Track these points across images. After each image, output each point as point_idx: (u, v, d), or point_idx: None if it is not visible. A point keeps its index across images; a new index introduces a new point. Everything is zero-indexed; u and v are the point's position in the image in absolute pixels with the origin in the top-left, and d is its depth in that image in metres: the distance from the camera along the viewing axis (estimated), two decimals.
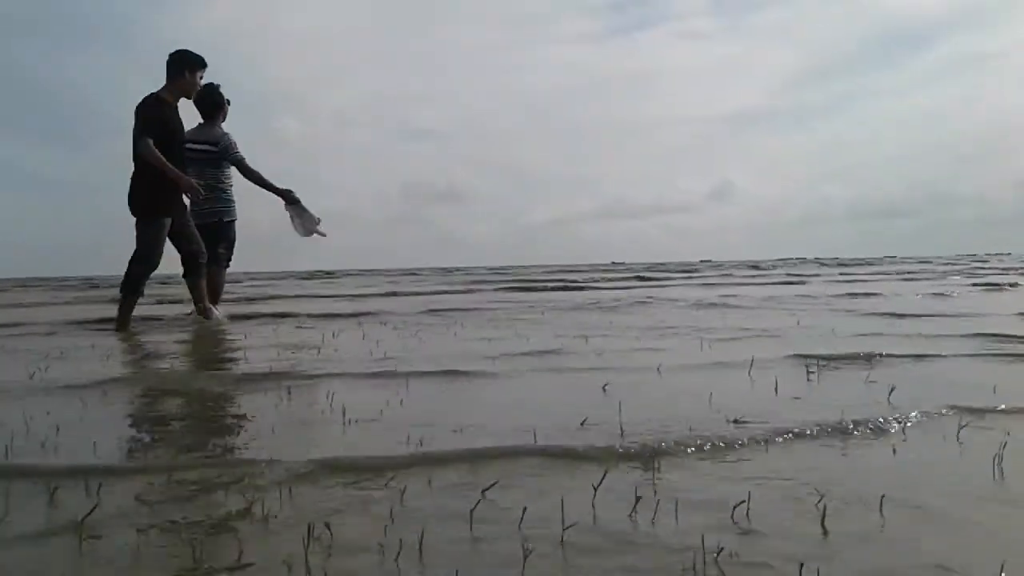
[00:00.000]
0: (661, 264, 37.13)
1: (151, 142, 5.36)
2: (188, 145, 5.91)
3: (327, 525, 1.21)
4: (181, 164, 5.53)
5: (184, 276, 5.80)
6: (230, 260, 6.33)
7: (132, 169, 5.56)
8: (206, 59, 5.64)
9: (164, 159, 5.37)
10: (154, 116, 5.45)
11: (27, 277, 46.86)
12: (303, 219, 6.20)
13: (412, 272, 33.69)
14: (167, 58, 5.63)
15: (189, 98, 5.71)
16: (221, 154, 6.09)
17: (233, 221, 6.28)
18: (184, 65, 5.60)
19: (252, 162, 6.19)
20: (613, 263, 56.83)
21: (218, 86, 6.17)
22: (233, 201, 6.30)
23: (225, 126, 6.26)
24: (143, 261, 5.49)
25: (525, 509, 1.27)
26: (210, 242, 5.97)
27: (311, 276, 27.02)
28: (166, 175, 5.39)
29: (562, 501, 1.30)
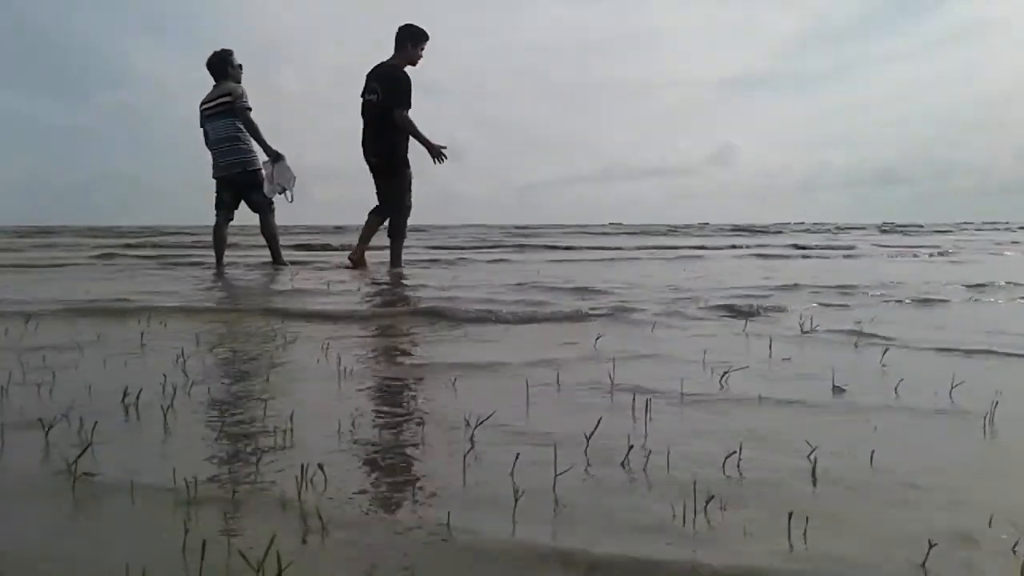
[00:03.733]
0: (680, 226, 35.75)
1: (407, 112, 6.25)
2: (206, 105, 6.52)
3: None
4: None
5: (370, 215, 6.61)
6: (274, 206, 6.69)
7: (371, 127, 6.40)
8: (426, 31, 6.43)
9: (417, 127, 6.26)
10: (410, 87, 6.31)
11: (29, 226, 46.59)
12: (278, 176, 6.49)
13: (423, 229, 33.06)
14: (396, 31, 6.42)
15: (414, 66, 6.42)
16: (232, 104, 6.42)
17: (259, 170, 6.57)
18: (408, 38, 6.38)
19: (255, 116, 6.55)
20: (610, 224, 56.82)
21: (229, 52, 6.53)
22: (253, 151, 6.59)
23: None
24: (405, 208, 6.50)
25: None
26: (243, 192, 6.55)
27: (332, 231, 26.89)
28: (418, 139, 6.31)
29: None
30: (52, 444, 1.50)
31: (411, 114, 6.37)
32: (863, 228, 32.97)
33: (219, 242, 6.81)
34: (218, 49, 6.55)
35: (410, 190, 6.53)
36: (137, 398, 1.84)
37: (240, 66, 6.58)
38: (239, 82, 6.56)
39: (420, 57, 6.43)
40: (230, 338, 2.96)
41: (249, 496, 1.24)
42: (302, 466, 1.30)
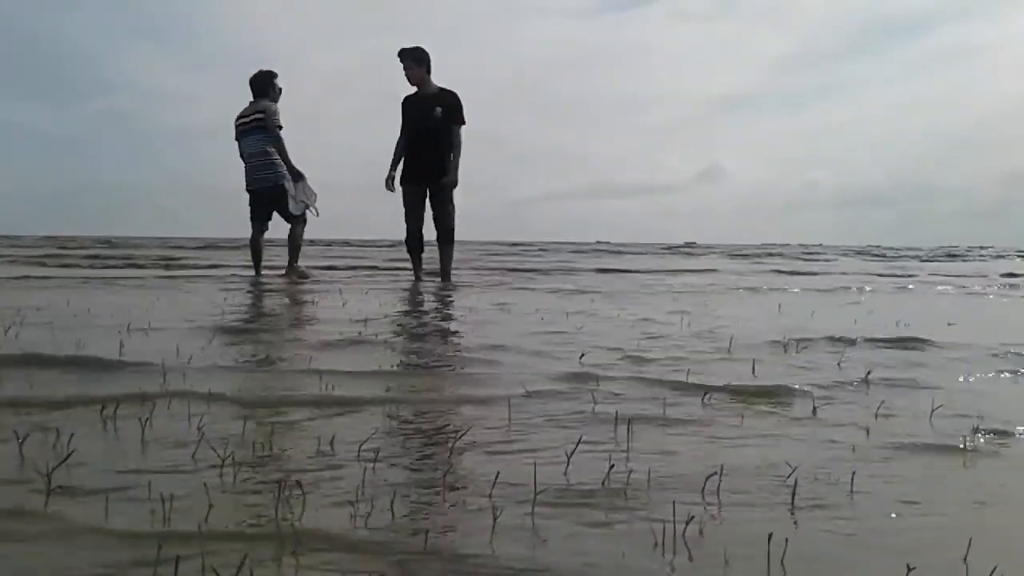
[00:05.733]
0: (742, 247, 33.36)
1: (402, 132, 6.82)
2: (241, 120, 6.98)
3: None
4: (422, 144, 6.71)
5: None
6: (306, 218, 7.19)
7: None
8: (402, 49, 6.68)
9: (397, 148, 6.85)
10: (402, 108, 6.86)
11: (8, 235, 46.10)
12: (300, 194, 6.97)
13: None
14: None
15: (412, 84, 6.78)
16: (264, 121, 6.90)
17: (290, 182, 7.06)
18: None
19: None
20: (597, 242, 57.12)
21: (274, 74, 7.02)
22: (284, 167, 7.00)
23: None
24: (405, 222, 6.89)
25: None
26: (275, 205, 6.99)
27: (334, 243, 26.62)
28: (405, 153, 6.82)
29: None
30: None
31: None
32: (855, 249, 32.71)
33: (256, 253, 7.29)
34: (263, 69, 7.01)
35: (408, 207, 6.92)
36: None
37: (280, 89, 7.07)
38: (275, 102, 7.03)
39: (406, 72, 6.78)
40: None
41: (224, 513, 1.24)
42: (279, 482, 1.30)
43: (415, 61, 6.73)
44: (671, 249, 31.45)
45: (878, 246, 47.47)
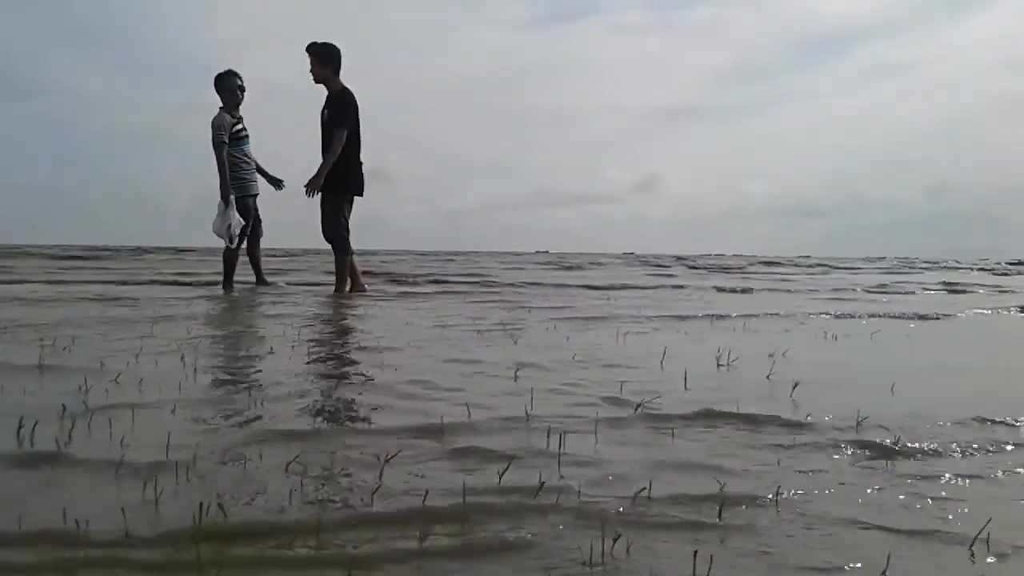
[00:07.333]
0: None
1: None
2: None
3: None
4: (324, 145, 6.35)
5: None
6: (245, 235, 6.83)
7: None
8: (313, 43, 6.34)
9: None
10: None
11: None
12: (223, 220, 6.65)
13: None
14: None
15: (315, 82, 6.39)
16: (211, 139, 6.54)
17: (247, 196, 6.77)
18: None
19: (230, 150, 6.63)
20: (537, 251, 57.60)
21: (226, 73, 6.64)
22: (244, 179, 6.76)
23: (242, 109, 6.79)
24: None
25: None
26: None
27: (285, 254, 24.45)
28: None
29: None
30: None
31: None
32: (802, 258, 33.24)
33: (244, 261, 7.07)
34: (219, 71, 6.63)
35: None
36: None
37: (235, 89, 6.63)
38: (235, 107, 6.67)
39: (310, 69, 6.43)
40: None
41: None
42: (200, 504, 1.26)
43: (319, 60, 6.37)
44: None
45: (809, 256, 48.63)
